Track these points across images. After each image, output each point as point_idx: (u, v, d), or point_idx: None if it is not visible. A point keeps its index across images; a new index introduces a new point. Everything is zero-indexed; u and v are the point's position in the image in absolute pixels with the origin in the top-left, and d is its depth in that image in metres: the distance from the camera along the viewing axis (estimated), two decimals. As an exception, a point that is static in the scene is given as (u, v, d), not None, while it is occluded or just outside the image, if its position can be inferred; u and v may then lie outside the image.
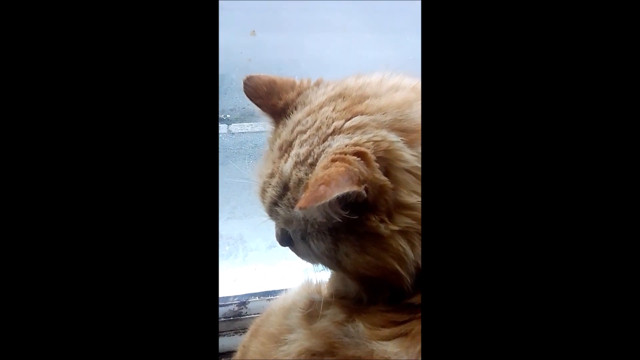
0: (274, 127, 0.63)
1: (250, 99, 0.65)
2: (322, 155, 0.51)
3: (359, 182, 0.47)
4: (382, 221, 0.49)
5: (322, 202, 0.44)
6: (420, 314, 0.49)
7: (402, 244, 0.49)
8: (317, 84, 0.63)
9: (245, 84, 0.64)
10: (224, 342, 0.96)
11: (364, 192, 0.47)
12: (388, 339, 0.49)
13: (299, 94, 0.62)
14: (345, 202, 0.48)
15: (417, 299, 0.51)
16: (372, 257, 0.51)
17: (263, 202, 0.58)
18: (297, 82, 0.65)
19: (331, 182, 0.45)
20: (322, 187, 0.45)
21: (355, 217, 0.49)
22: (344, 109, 0.55)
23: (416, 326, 0.49)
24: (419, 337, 0.47)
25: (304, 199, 0.46)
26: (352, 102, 0.55)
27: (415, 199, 0.49)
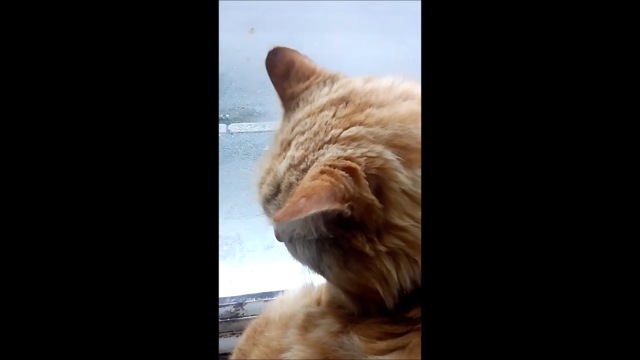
0: (282, 115, 0.61)
1: (268, 74, 0.62)
2: (315, 163, 0.50)
3: (342, 200, 0.45)
4: (369, 240, 0.47)
5: (298, 217, 0.43)
6: (418, 326, 0.47)
7: (387, 265, 0.47)
8: (333, 78, 0.59)
9: (268, 56, 0.61)
10: (220, 344, 0.95)
11: (347, 210, 0.45)
12: (384, 352, 0.48)
13: (307, 88, 0.59)
14: (327, 218, 0.46)
15: (414, 313, 0.49)
16: (353, 274, 0.49)
17: (259, 195, 0.57)
18: (317, 70, 0.60)
19: (312, 197, 0.43)
20: (302, 201, 0.43)
21: (332, 236, 0.48)
22: (344, 116, 0.52)
23: (414, 339, 0.47)
24: (417, 351, 0.46)
25: (282, 210, 0.44)
26: (353, 110, 0.53)
27: (406, 222, 0.47)
